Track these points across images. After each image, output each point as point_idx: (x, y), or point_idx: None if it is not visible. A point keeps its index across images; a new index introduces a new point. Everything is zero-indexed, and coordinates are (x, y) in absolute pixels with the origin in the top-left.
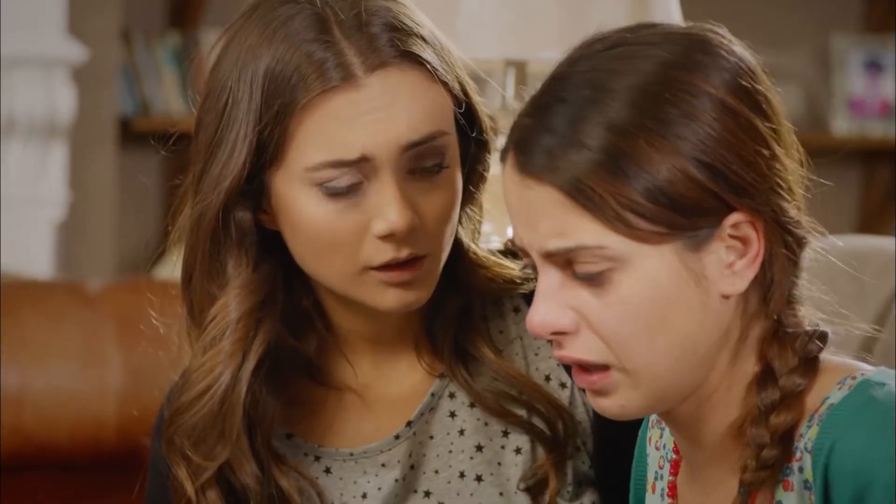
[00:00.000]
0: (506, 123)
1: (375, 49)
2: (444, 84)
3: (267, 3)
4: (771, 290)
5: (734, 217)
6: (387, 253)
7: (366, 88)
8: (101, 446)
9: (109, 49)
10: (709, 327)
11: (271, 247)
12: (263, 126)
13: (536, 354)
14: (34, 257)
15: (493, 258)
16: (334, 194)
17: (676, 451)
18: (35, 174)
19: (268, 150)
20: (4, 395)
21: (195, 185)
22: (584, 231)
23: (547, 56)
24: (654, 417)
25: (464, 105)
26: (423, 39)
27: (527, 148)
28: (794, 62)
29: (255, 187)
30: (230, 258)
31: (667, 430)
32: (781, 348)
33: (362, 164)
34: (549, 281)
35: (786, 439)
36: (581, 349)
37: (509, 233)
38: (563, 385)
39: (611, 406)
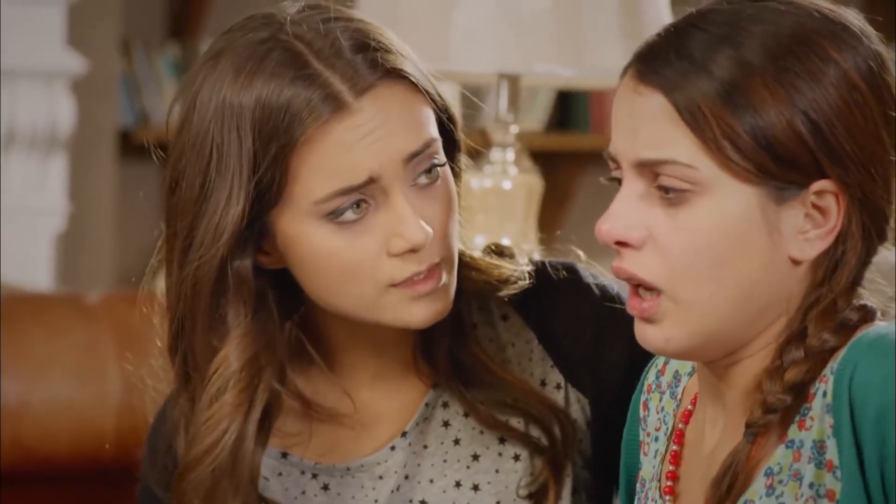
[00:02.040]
0: (499, 137)
1: (359, 73)
2: (425, 92)
3: (231, 47)
4: (838, 268)
5: (822, 183)
6: (408, 268)
7: (359, 113)
8: (101, 458)
9: (109, 60)
10: (770, 284)
11: (266, 287)
12: (262, 173)
13: (530, 360)
14: (34, 268)
15: (486, 259)
16: (344, 222)
17: (694, 403)
18: (35, 185)
19: (269, 193)
20: (4, 407)
21: (183, 242)
22: (681, 146)
23: (540, 69)
24: (651, 382)
25: (443, 110)
26: (399, 54)
27: (652, 60)
28: None
29: (254, 232)
30: (230, 308)
31: (667, 393)
32: (822, 315)
33: (369, 187)
34: (631, 191)
35: (797, 390)
36: (639, 266)
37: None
38: (558, 386)
39: (656, 336)
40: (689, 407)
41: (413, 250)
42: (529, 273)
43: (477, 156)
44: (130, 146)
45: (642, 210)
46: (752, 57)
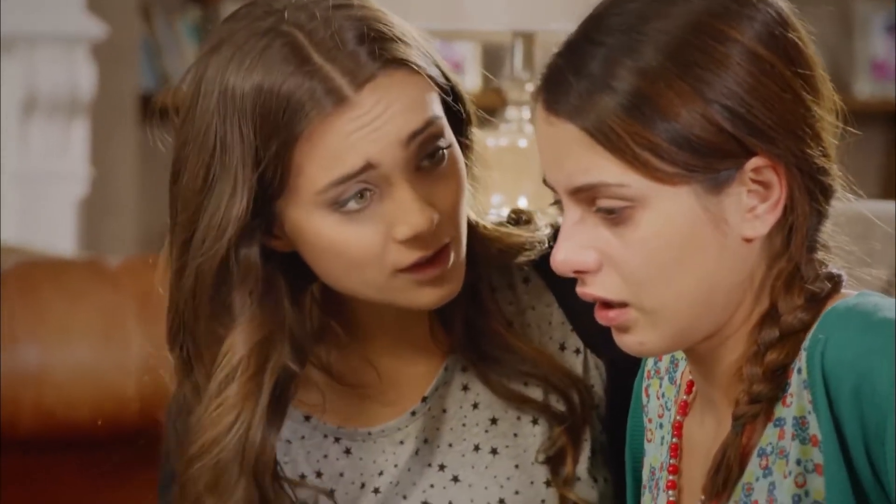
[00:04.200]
0: (514, 95)
1: (359, 65)
2: (428, 75)
3: (230, 38)
4: (793, 234)
5: (755, 161)
6: (414, 253)
7: (360, 105)
8: (123, 423)
9: (129, 25)
10: (729, 269)
11: (275, 264)
12: (266, 166)
13: (550, 323)
14: (57, 234)
15: (502, 229)
16: (349, 211)
17: (688, 392)
18: (57, 151)
19: (272, 186)
20: (26, 373)
21: (184, 235)
22: (606, 168)
23: (555, 27)
24: (650, 367)
25: (449, 89)
26: (400, 40)
27: (555, 87)
28: (816, 25)
29: (260, 221)
30: (235, 296)
31: (666, 378)
32: (789, 289)
33: (370, 174)
34: (574, 219)
35: (778, 374)
36: (601, 287)
37: (520, 204)
38: (577, 351)
39: (631, 342)
40: (685, 397)
41: (418, 237)
42: (548, 238)
43: (493, 114)
44: (152, 110)
45: (590, 234)
46: (651, 61)
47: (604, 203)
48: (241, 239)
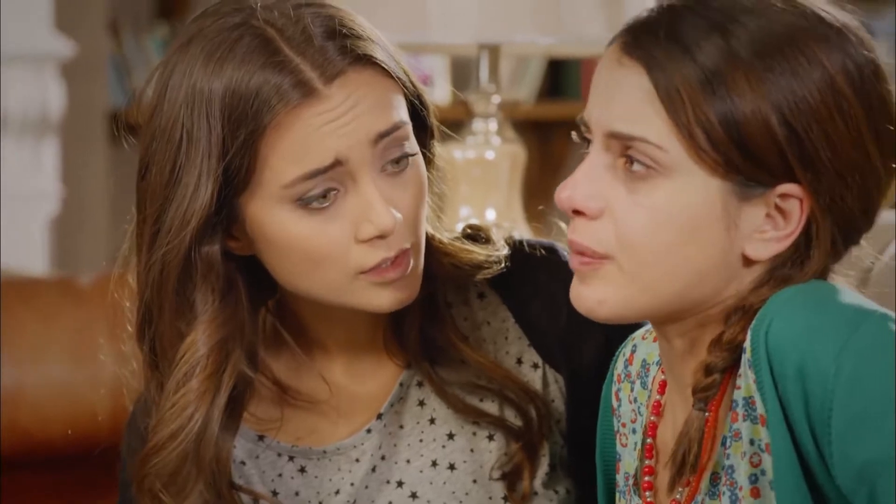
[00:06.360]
0: (481, 107)
1: (329, 59)
2: (396, 78)
3: (202, 33)
4: (806, 265)
5: (788, 186)
6: (377, 254)
7: (329, 99)
8: (98, 440)
9: (98, 42)
10: (719, 277)
11: (235, 272)
12: (231, 157)
13: (506, 338)
14: (29, 253)
15: (457, 244)
16: (314, 209)
17: (661, 392)
18: (28, 170)
19: (238, 178)
20: (0, 393)
21: (151, 228)
22: (653, 126)
23: (520, 38)
24: (620, 371)
25: (415, 96)
26: (369, 39)
27: (641, 34)
28: None
29: (222, 217)
30: (198, 293)
31: (637, 382)
32: (762, 287)
33: (337, 170)
34: (597, 161)
35: (731, 348)
36: (592, 237)
37: (488, 216)
38: (535, 366)
39: (589, 296)
40: (658, 397)
41: (381, 236)
42: (504, 257)
43: (461, 126)
44: (122, 127)
45: (604, 181)
46: (739, 49)
47: (634, 154)
48: (204, 233)
